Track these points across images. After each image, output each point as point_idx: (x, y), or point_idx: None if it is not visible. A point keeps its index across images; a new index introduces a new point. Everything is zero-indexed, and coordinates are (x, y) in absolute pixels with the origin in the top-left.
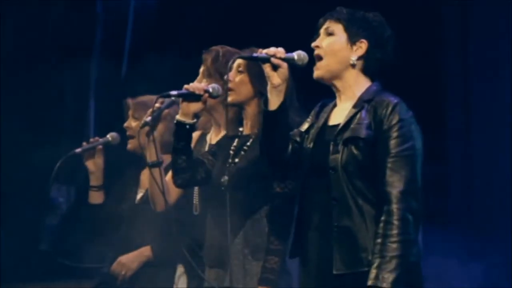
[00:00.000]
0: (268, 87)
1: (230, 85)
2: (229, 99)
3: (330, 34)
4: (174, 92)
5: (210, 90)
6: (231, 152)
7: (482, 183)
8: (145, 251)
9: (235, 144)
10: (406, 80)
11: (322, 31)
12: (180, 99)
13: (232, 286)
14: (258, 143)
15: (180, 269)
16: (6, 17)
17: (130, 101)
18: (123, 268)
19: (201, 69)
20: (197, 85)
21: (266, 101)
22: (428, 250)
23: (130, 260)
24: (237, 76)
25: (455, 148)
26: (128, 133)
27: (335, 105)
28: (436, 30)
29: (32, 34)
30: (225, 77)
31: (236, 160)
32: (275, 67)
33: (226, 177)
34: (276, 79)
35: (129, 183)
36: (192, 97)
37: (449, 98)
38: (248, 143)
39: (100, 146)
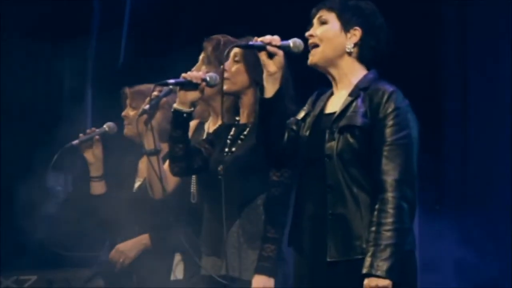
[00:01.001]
0: (264, 75)
1: (226, 74)
2: (225, 87)
3: (323, 22)
4: (171, 81)
5: (208, 79)
6: (228, 141)
7: (479, 172)
8: (143, 239)
9: (232, 133)
10: (403, 70)
11: (315, 20)
12: (178, 88)
13: (228, 275)
14: (254, 132)
15: (177, 258)
16: (2, 5)
17: (127, 90)
18: (121, 256)
19: (201, 57)
20: (195, 74)
21: (261, 89)
22: (423, 239)
23: (128, 248)
24: (233, 65)
25: (452, 138)
26: (125, 122)
27: (331, 94)
28: (434, 21)
29: (29, 23)
30: (222, 66)
31: (233, 149)
32: (271, 55)
33: (222, 166)
34: (272, 67)
35: (127, 172)
36: (189, 85)
37: (446, 88)
38: (245, 132)
39: (97, 137)
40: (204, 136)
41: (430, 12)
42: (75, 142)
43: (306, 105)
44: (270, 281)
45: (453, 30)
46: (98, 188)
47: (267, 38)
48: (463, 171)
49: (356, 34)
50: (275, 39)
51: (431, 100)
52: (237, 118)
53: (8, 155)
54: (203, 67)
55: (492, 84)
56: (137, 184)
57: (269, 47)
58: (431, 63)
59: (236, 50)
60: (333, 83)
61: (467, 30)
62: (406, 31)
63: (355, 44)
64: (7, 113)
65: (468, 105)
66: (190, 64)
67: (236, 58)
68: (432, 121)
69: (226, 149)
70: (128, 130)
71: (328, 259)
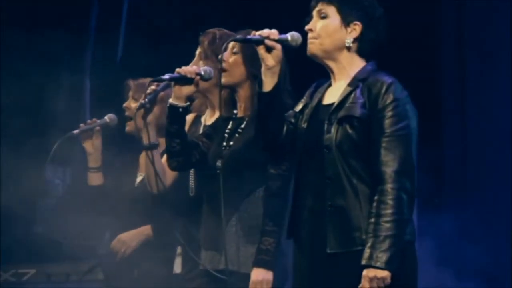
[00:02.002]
0: (262, 69)
1: (224, 65)
2: (223, 80)
3: (323, 17)
4: (166, 76)
5: (202, 73)
6: (226, 134)
7: (478, 165)
8: (145, 230)
9: (229, 126)
10: (401, 61)
11: (315, 13)
12: (173, 83)
13: (227, 268)
14: (252, 125)
15: (178, 251)
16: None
17: (131, 82)
18: (123, 246)
19: (198, 51)
20: (189, 68)
21: (260, 83)
22: (422, 232)
23: (130, 238)
24: (231, 57)
25: (451, 131)
26: (126, 113)
27: (329, 85)
28: (432, 10)
29: (28, 16)
30: (219, 56)
31: (231, 142)
32: (269, 49)
33: (220, 160)
34: (270, 60)
35: (128, 166)
36: (184, 80)
37: (444, 79)
38: (242, 126)
39: (98, 128)
40: (201, 129)
41: (429, 5)
42: (76, 131)
43: (304, 97)
44: (269, 274)
45: (450, 10)
46: (95, 179)
47: (265, 32)
48: (463, 164)
49: (356, 29)
50: (273, 32)
51: (430, 94)
52: (234, 112)
53: (7, 148)
54: (200, 62)
55: (491, 76)
56: (139, 179)
57: (267, 41)
58: (426, 45)
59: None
60: (331, 74)
61: (465, 24)
62: (402, 12)
63: (355, 39)
64: (6, 107)
65: (467, 98)
66: (189, 57)
67: (234, 50)
68: (431, 115)
69: (224, 143)
70: (130, 127)
71: (328, 251)
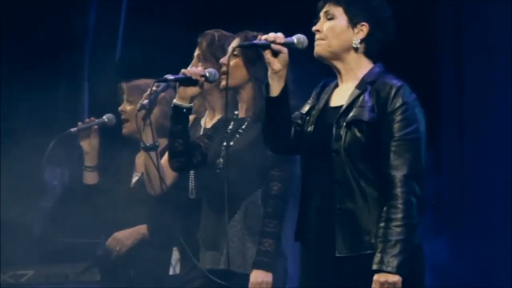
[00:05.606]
0: (269, 73)
1: (225, 68)
2: (223, 83)
3: (330, 18)
4: (171, 77)
5: (207, 75)
6: (227, 135)
7: (477, 166)
8: (141, 229)
9: (230, 127)
10: (399, 63)
11: (322, 14)
12: (177, 84)
13: (228, 269)
14: (253, 126)
15: (176, 253)
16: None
17: (124, 84)
18: (118, 244)
19: (196, 53)
20: (195, 70)
21: (267, 87)
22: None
23: (125, 236)
24: (231, 60)
25: (449, 131)
26: (122, 116)
27: (336, 86)
28: (430, 11)
29: (27, 16)
30: (220, 60)
31: (232, 142)
32: (275, 53)
33: (221, 160)
34: (277, 64)
35: (124, 166)
36: (189, 81)
37: (443, 81)
38: (244, 126)
39: (96, 127)
40: (201, 132)
41: (427, 4)
42: (73, 129)
43: (311, 98)
44: (268, 276)
45: (448, 11)
46: (90, 178)
47: (271, 36)
48: (461, 164)
49: (363, 29)
50: (279, 36)
51: (429, 94)
52: (236, 112)
53: (6, 148)
54: (199, 64)
55: (490, 77)
56: (134, 179)
57: (273, 45)
58: (424, 46)
59: (234, 44)
60: (338, 75)
61: (464, 23)
62: (400, 13)
63: (362, 40)
64: (6, 107)
65: (466, 98)
66: (187, 58)
67: (235, 53)
68: (430, 115)
69: (225, 143)
70: (126, 129)
71: (337, 254)
